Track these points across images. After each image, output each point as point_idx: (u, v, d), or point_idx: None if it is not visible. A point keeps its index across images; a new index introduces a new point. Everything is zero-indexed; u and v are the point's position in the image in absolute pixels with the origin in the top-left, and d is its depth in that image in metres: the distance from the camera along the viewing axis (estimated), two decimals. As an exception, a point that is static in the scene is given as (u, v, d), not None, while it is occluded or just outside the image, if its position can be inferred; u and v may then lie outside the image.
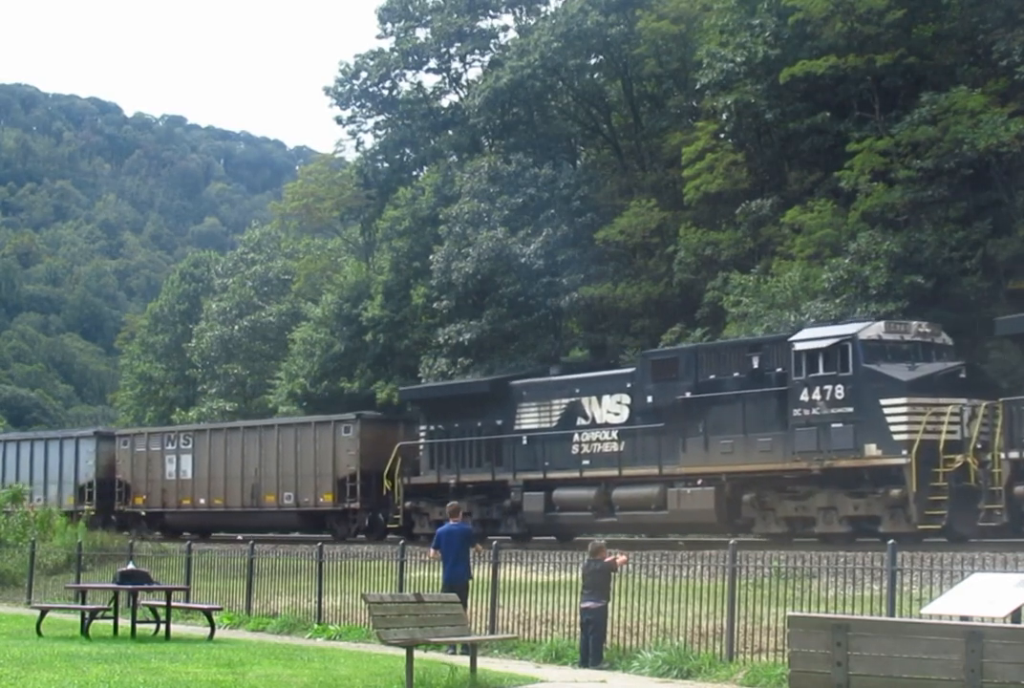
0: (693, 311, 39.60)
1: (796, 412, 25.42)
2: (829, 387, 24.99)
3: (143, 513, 40.27)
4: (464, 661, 13.88)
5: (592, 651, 15.37)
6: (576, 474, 29.23)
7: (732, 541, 15.88)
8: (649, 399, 28.17)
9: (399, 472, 33.26)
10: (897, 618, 12.52)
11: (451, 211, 46.12)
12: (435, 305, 46.00)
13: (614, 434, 28.78)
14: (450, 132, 54.55)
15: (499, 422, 31.41)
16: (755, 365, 26.55)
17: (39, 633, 18.87)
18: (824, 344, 25.27)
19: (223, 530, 39.94)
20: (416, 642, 13.06)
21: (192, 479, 38.98)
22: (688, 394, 27.21)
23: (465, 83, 56.15)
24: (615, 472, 28.36)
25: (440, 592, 16.51)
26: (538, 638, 16.89)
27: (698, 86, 39.89)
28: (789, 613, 11.70)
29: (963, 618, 10.08)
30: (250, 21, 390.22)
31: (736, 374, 26.76)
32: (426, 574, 19.12)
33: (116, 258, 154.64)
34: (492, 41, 54.50)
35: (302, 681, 13.15)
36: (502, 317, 44.29)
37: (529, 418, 30.96)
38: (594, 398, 29.50)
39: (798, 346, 25.66)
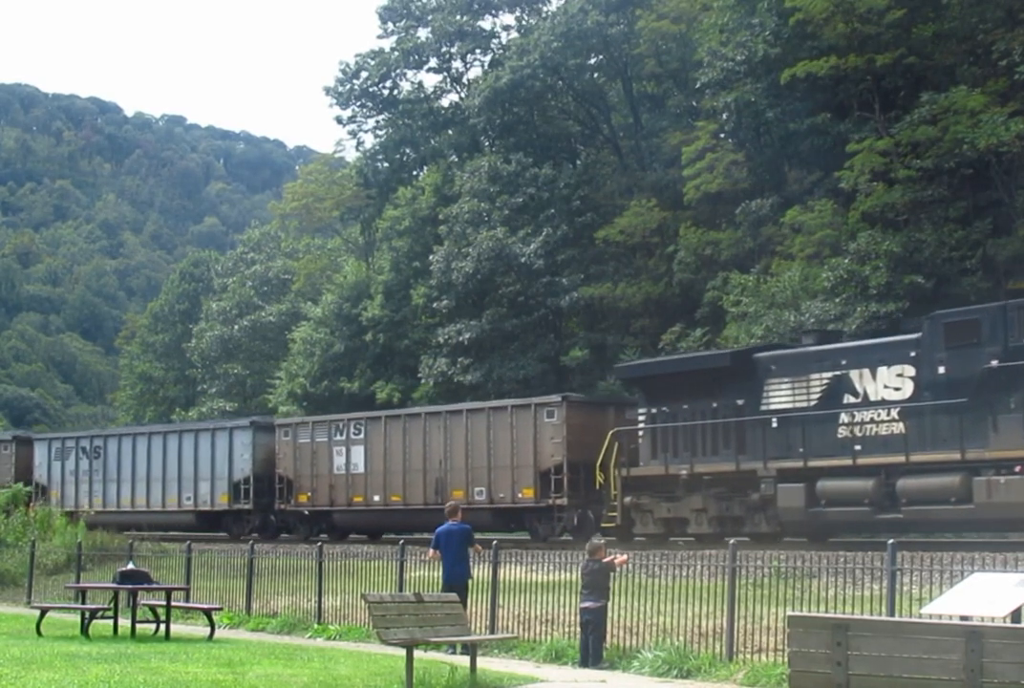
0: (693, 311, 39.62)
1: None
2: None
3: (306, 512, 36.13)
4: (464, 661, 13.87)
5: (592, 651, 15.36)
6: (847, 462, 24.69)
7: (732, 541, 15.87)
8: (941, 370, 23.77)
9: (615, 462, 28.45)
10: (897, 618, 12.52)
11: (451, 211, 46.14)
12: (435, 305, 46.02)
13: (894, 413, 24.37)
14: (450, 132, 54.59)
15: (740, 401, 26.86)
16: None
17: (39, 633, 18.86)
18: None
19: (403, 531, 35.85)
20: (416, 642, 13.05)
21: (365, 473, 34.34)
22: (995, 362, 22.83)
23: (465, 83, 56.19)
24: (900, 458, 23.88)
25: (440, 592, 16.51)
26: (538, 638, 16.88)
27: (698, 85, 39.92)
28: (789, 613, 11.69)
29: (963, 618, 10.07)
30: (250, 21, 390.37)
31: None
32: (426, 574, 19.11)
33: (116, 258, 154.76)
34: (492, 41, 54.58)
35: (302, 681, 13.14)
36: (502, 317, 44.32)
37: (780, 396, 26.36)
38: (865, 371, 24.99)
39: None
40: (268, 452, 36.85)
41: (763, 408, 26.42)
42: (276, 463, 36.41)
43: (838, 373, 25.40)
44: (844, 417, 25.09)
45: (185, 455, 38.48)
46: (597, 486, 28.82)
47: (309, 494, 35.64)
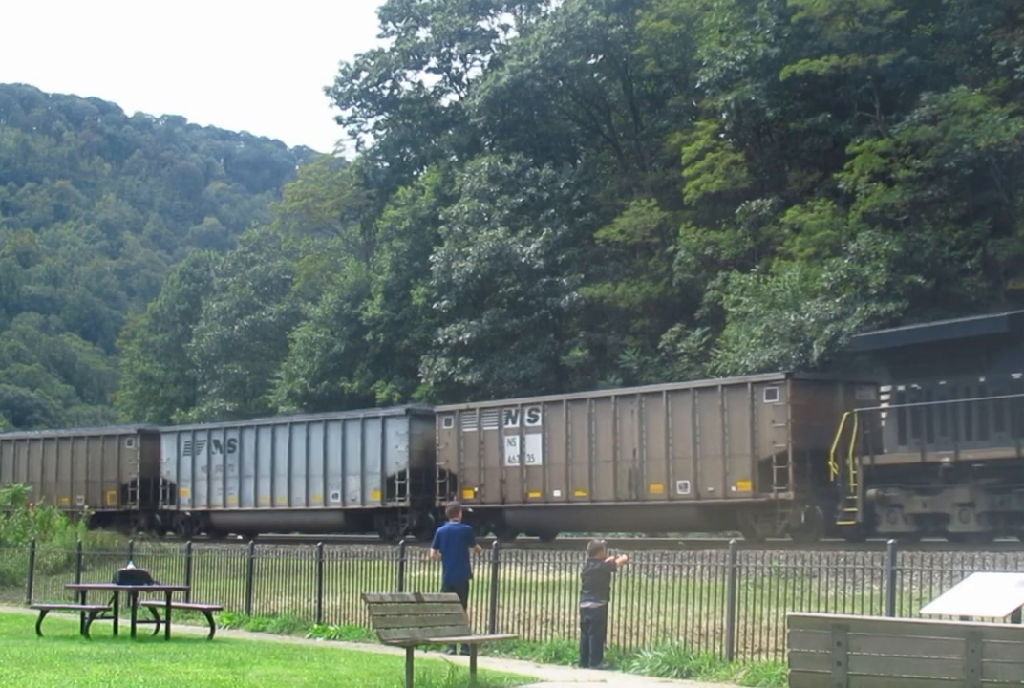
0: (693, 311, 39.62)
1: None
2: None
3: (470, 510, 31.27)
4: (464, 661, 13.87)
5: (592, 651, 15.37)
6: None
7: (732, 541, 15.87)
8: None
9: (853, 450, 24.38)
10: (897, 618, 12.52)
11: (451, 211, 46.16)
12: (435, 305, 46.03)
13: None
14: (450, 132, 54.63)
15: (1017, 375, 22.65)
16: None
17: (39, 633, 18.86)
18: None
19: (589, 530, 32.65)
20: (416, 642, 13.05)
21: (543, 465, 30.53)
22: None
23: (465, 83, 56.22)
24: None
25: (440, 592, 16.51)
26: (538, 638, 16.89)
27: (698, 85, 39.94)
28: (789, 613, 11.69)
29: (963, 618, 10.07)
30: (250, 21, 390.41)
31: None
32: (426, 574, 19.11)
33: (116, 258, 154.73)
34: (492, 41, 54.62)
35: (302, 681, 13.14)
36: (502, 317, 44.33)
37: None
38: None
39: None
40: (427, 443, 33.24)
41: None
42: (436, 455, 32.78)
43: None
44: None
45: (332, 447, 34.94)
46: (832, 477, 24.82)
47: (476, 489, 31.91)
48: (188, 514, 38.80)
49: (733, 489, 26.81)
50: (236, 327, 65.62)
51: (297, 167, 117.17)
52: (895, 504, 23.73)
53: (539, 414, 30.78)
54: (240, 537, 37.15)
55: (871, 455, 24.20)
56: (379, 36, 63.10)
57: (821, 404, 26.03)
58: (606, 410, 29.30)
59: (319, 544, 21.66)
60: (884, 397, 24.95)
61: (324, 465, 34.88)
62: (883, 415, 24.73)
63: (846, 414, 24.67)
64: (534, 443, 30.79)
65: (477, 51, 54.65)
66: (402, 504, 33.06)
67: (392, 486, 33.20)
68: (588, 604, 15.48)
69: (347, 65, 57.13)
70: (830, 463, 24.69)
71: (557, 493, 30.28)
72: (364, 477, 33.95)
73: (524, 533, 32.87)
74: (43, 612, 19.74)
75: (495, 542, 18.68)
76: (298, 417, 38.72)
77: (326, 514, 35.11)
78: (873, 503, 23.94)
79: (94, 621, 19.47)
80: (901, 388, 24.38)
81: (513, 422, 31.25)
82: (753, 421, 26.48)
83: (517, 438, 31.05)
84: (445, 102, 57.16)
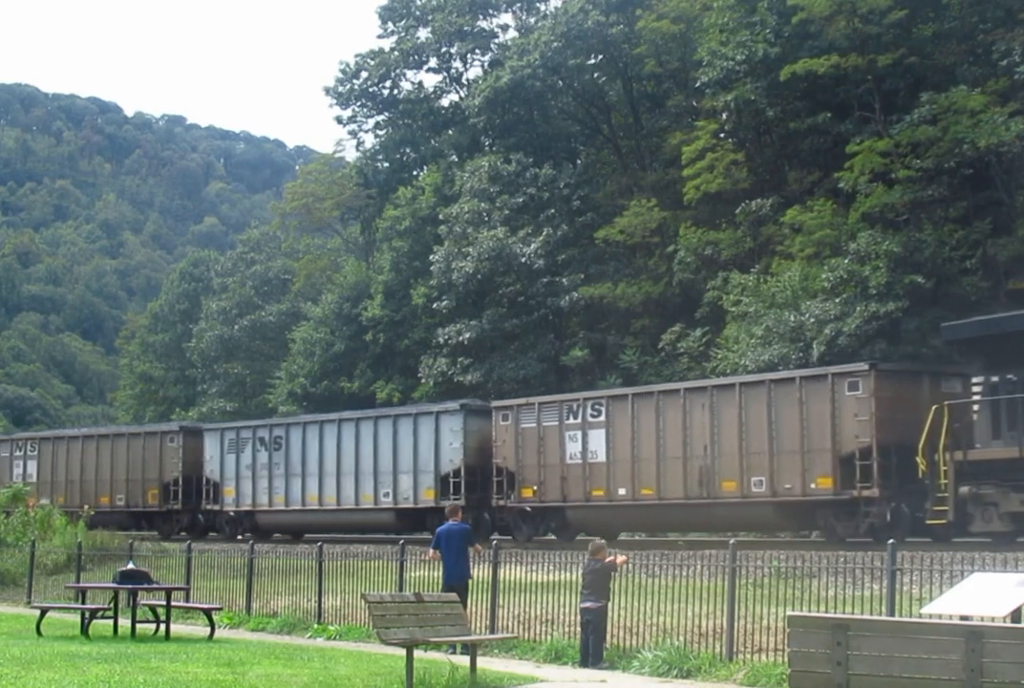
0: (693, 311, 39.63)
1: None
2: None
3: (528, 509, 31.22)
4: (464, 661, 13.87)
5: (592, 651, 15.37)
6: None
7: (732, 541, 15.87)
8: None
9: (943, 444, 23.17)
10: (897, 618, 12.52)
11: (451, 211, 46.17)
12: (435, 305, 46.04)
13: None
14: (450, 132, 54.64)
15: None
16: None
17: (39, 633, 18.86)
18: None
19: (655, 530, 31.88)
20: (416, 642, 13.05)
21: (607, 462, 29.36)
22: None
23: (465, 83, 56.24)
24: None
25: (440, 592, 16.51)
26: (538, 638, 16.89)
27: (698, 84, 39.95)
28: (789, 613, 11.69)
29: (963, 618, 10.08)
30: (250, 21, 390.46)
31: None
32: (426, 574, 19.11)
33: (116, 258, 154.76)
34: (492, 41, 54.64)
35: (302, 681, 13.14)
36: (502, 317, 44.34)
37: None
38: None
39: None
40: (482, 440, 32.15)
41: None
42: (493, 452, 31.62)
43: None
44: None
45: (382, 445, 33.92)
46: (920, 473, 23.70)
47: (535, 488, 30.79)
48: (232, 514, 37.96)
49: (812, 486, 25.65)
50: (236, 327, 65.64)
51: (297, 167, 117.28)
52: (990, 502, 22.49)
53: (602, 408, 29.69)
54: (283, 537, 36.48)
55: (963, 450, 22.99)
56: (379, 36, 63.17)
57: (906, 396, 24.95)
58: (675, 404, 28.24)
59: (319, 544, 21.67)
60: (975, 388, 23.78)
61: (375, 463, 34.01)
62: (975, 407, 23.55)
63: (934, 407, 23.55)
64: (597, 439, 29.69)
65: (477, 51, 54.68)
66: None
67: (446, 484, 32.26)
68: (588, 604, 15.49)
69: (347, 65, 57.20)
70: (918, 459, 23.56)
71: (622, 491, 29.15)
72: (417, 475, 33.04)
73: (585, 533, 31.54)
74: (43, 612, 19.74)
75: (495, 542, 18.69)
76: (347, 413, 37.68)
77: (376, 514, 34.31)
78: (965, 501, 22.75)
79: (94, 621, 19.48)
80: (995, 379, 23.09)
81: (575, 417, 30.17)
82: (834, 414, 25.36)
83: (579, 434, 30.00)
84: (445, 102, 57.26)
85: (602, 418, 29.65)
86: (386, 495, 33.68)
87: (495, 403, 33.10)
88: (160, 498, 39.46)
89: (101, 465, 41.16)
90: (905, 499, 24.55)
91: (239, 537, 36.57)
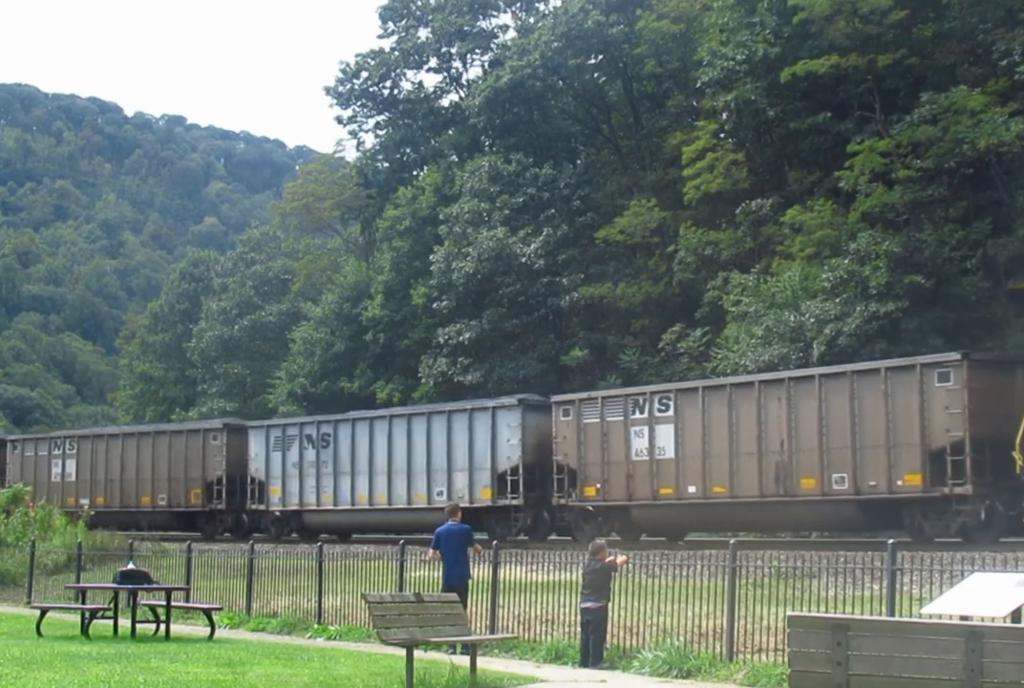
0: (693, 311, 39.65)
1: None
2: None
3: (590, 508, 29.85)
4: (464, 661, 13.86)
5: (592, 651, 15.37)
6: None
7: (732, 541, 15.87)
8: None
9: None
10: (897, 618, 12.52)
11: (451, 211, 46.19)
12: (435, 305, 46.06)
13: None
14: (450, 132, 54.67)
15: None
16: None
17: (39, 633, 18.85)
18: None
19: (727, 529, 30.25)
20: (416, 642, 13.04)
21: (676, 459, 28.06)
22: None
23: (465, 83, 56.26)
24: None
25: (440, 592, 16.51)
26: (538, 638, 16.88)
27: (698, 84, 39.97)
28: (789, 613, 11.69)
29: (963, 618, 10.07)
30: (250, 21, 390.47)
31: None
32: (426, 574, 19.11)
33: (116, 258, 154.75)
34: (492, 41, 54.66)
35: (302, 681, 13.14)
36: (502, 317, 44.36)
37: None
38: None
39: None
40: (542, 436, 30.89)
41: None
42: (553, 449, 30.45)
43: None
44: None
45: (436, 442, 32.51)
46: (1018, 469, 22.43)
47: (598, 486, 29.44)
48: (278, 514, 36.68)
49: (899, 483, 24.33)
50: (236, 327, 65.66)
51: (297, 167, 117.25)
52: None
53: (671, 403, 28.30)
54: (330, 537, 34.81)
55: None
56: (379, 36, 63.18)
57: (1001, 388, 23.64)
58: (749, 397, 26.91)
59: (319, 544, 21.66)
60: None
61: (428, 461, 32.72)
62: None
63: None
64: (666, 434, 28.32)
65: (477, 51, 54.70)
66: (515, 502, 30.84)
67: (503, 483, 30.99)
68: (588, 604, 15.48)
69: (347, 65, 57.22)
70: (1014, 454, 22.39)
71: (692, 489, 27.82)
72: (472, 473, 31.75)
73: (649, 534, 30.51)
74: (43, 612, 19.73)
75: (495, 542, 18.68)
76: (398, 409, 36.73)
77: (430, 513, 31.51)
78: None
79: (94, 621, 19.47)
80: None
81: (641, 412, 28.81)
82: (923, 407, 24.03)
83: (646, 429, 28.66)
84: (445, 102, 57.31)
85: (670, 412, 28.32)
86: (440, 494, 32.29)
87: (555, 398, 31.68)
88: (203, 498, 38.31)
89: (142, 464, 40.04)
90: (1000, 497, 23.38)
91: (284, 537, 35.63)
